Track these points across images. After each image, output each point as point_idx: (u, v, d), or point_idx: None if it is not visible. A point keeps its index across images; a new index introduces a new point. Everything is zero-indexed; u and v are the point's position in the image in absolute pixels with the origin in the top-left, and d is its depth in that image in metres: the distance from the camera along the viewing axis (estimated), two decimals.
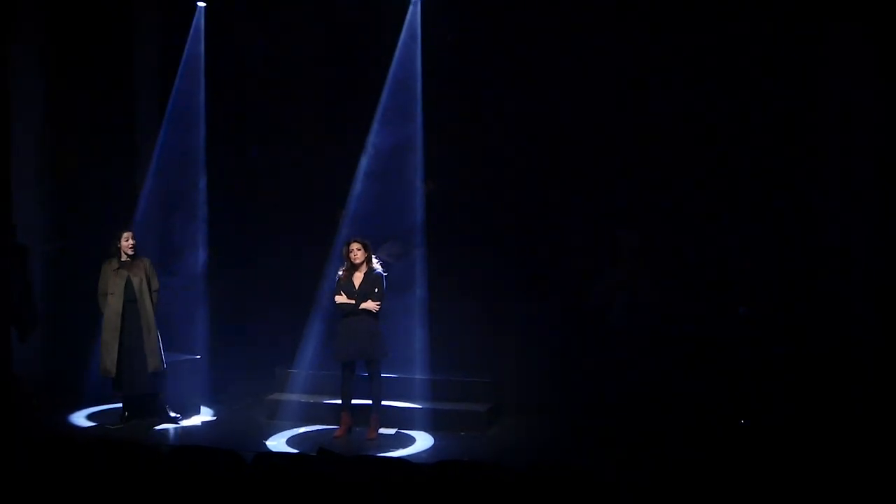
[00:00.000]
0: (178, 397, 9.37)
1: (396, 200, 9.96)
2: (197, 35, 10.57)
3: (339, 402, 8.91)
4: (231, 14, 10.70)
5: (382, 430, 8.85)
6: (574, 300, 9.42)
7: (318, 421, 9.27)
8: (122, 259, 9.14)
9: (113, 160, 10.39)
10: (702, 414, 8.49)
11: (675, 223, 9.36)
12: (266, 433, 8.94)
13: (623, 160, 9.69)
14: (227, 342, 10.20)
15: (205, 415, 9.62)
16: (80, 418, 9.44)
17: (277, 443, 8.70)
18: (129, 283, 9.06)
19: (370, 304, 8.66)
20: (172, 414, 9.25)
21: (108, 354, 8.99)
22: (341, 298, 8.73)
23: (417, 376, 9.42)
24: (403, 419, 9.09)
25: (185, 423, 9.30)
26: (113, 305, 9.03)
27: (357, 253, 8.71)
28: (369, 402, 8.84)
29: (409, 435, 8.88)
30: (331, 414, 9.15)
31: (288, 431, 9.04)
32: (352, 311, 8.68)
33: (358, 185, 9.99)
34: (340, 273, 8.82)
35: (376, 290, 8.69)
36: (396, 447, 8.54)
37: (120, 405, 9.35)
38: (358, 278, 8.72)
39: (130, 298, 9.06)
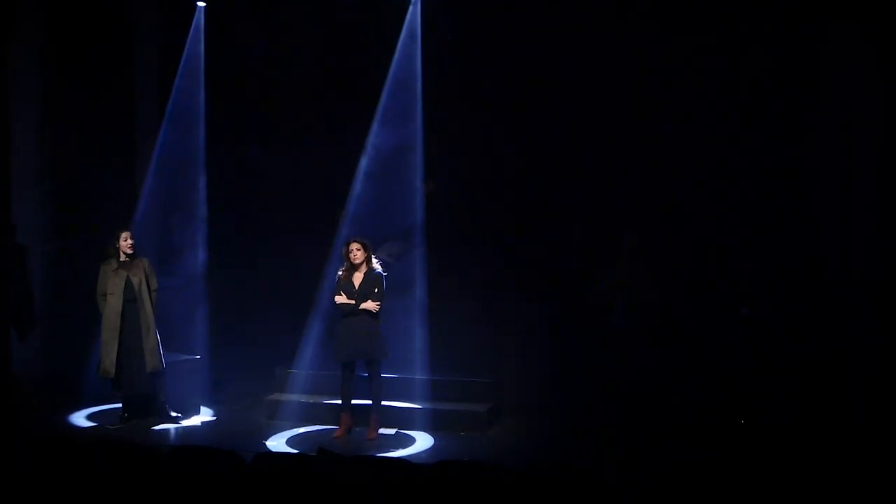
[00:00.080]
0: (178, 397, 9.37)
1: (396, 200, 9.96)
2: (197, 35, 10.58)
3: (339, 402, 8.90)
4: (231, 14, 10.70)
5: (382, 431, 8.85)
6: (574, 300, 9.41)
7: (318, 421, 9.27)
8: (121, 259, 9.14)
9: (113, 160, 10.36)
10: (702, 414, 8.50)
11: (675, 223, 9.37)
12: (266, 433, 8.93)
13: (623, 160, 9.71)
14: (227, 342, 10.20)
15: (205, 415, 9.62)
16: (80, 418, 9.44)
17: (277, 443, 8.69)
18: (128, 283, 9.06)
19: (370, 305, 8.66)
20: (172, 414, 9.26)
21: (108, 355, 8.99)
22: (341, 299, 8.72)
23: (417, 376, 9.42)
24: (403, 419, 9.09)
25: (184, 423, 9.29)
26: (112, 305, 9.03)
27: (357, 253, 8.70)
28: (369, 402, 8.84)
29: (409, 435, 8.87)
30: (331, 414, 9.14)
31: (288, 432, 9.03)
32: (352, 312, 8.68)
33: (358, 186, 9.99)
34: (340, 273, 8.81)
35: (376, 290, 8.69)
36: (396, 447, 8.54)
37: (120, 405, 9.36)
38: (358, 278, 8.72)
39: (130, 298, 9.06)
